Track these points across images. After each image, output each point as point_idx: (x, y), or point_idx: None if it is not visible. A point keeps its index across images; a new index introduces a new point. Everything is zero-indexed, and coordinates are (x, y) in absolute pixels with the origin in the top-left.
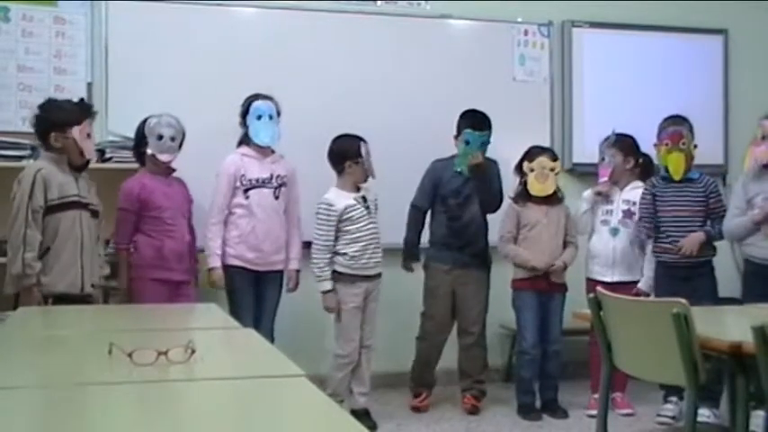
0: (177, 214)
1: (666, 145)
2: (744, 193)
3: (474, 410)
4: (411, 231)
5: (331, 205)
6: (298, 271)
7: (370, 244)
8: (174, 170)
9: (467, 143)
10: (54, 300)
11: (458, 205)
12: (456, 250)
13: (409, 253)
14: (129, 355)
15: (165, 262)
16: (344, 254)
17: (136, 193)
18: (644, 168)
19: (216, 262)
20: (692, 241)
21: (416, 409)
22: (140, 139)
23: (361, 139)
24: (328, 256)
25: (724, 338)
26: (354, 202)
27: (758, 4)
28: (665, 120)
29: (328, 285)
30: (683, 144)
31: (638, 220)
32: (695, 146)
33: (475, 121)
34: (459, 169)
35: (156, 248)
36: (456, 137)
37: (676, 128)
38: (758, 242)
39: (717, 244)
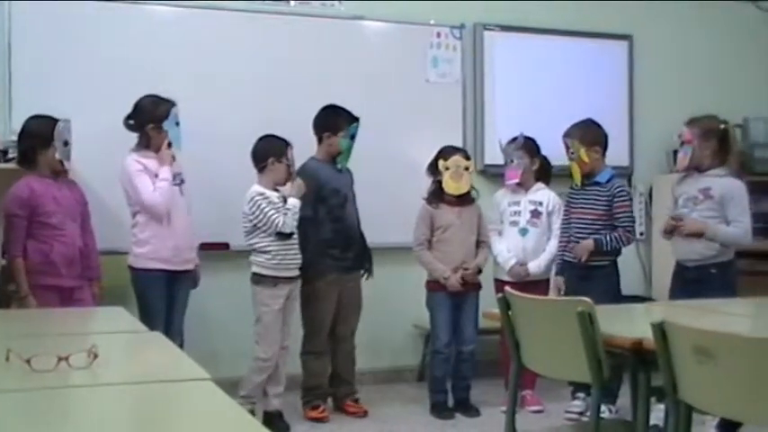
0: (66, 219)
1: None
2: (672, 194)
3: (366, 414)
4: (313, 245)
5: (263, 193)
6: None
7: (291, 245)
8: (65, 173)
9: (352, 137)
10: None
11: (339, 205)
12: (339, 254)
13: (321, 268)
14: (28, 362)
15: (53, 268)
16: (265, 252)
17: (26, 197)
18: (541, 170)
19: None
20: (580, 248)
21: (318, 420)
22: (31, 142)
23: (288, 143)
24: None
25: (626, 335)
26: (277, 201)
27: (661, 11)
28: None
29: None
30: (572, 154)
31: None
32: (598, 149)
33: (351, 115)
34: (341, 166)
35: (44, 254)
36: (327, 137)
37: (564, 139)
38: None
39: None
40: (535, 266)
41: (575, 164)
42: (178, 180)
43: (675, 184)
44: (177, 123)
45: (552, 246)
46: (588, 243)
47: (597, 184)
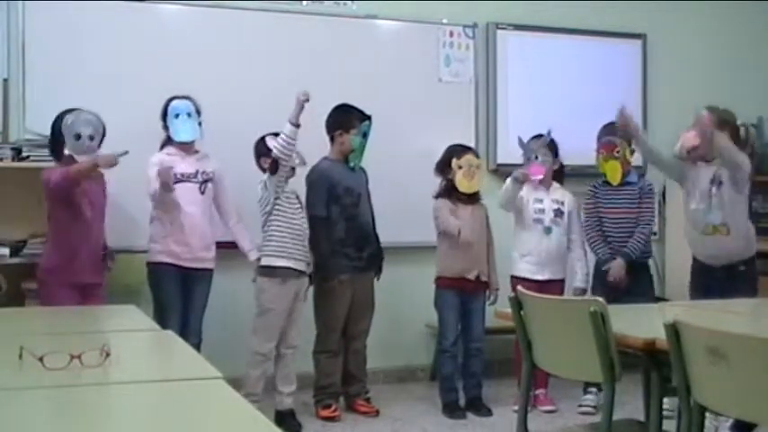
0: (96, 218)
1: (602, 153)
2: (686, 175)
3: (377, 413)
4: (326, 244)
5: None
6: (258, 259)
7: (297, 238)
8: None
9: (364, 136)
10: None
11: (353, 204)
12: (354, 254)
13: (334, 267)
14: (41, 359)
15: (79, 266)
16: (271, 238)
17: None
18: (558, 170)
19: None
20: (616, 271)
21: (330, 419)
22: (57, 136)
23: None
24: None
25: (639, 335)
26: (288, 192)
27: (675, 10)
28: (602, 128)
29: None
30: (617, 152)
31: (585, 228)
32: (632, 151)
33: (363, 114)
34: (353, 164)
35: (72, 254)
36: (338, 135)
37: (610, 138)
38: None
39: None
40: (583, 282)
41: (617, 162)
42: (201, 178)
43: (687, 166)
44: (177, 116)
45: (581, 256)
46: (620, 263)
47: (629, 183)
